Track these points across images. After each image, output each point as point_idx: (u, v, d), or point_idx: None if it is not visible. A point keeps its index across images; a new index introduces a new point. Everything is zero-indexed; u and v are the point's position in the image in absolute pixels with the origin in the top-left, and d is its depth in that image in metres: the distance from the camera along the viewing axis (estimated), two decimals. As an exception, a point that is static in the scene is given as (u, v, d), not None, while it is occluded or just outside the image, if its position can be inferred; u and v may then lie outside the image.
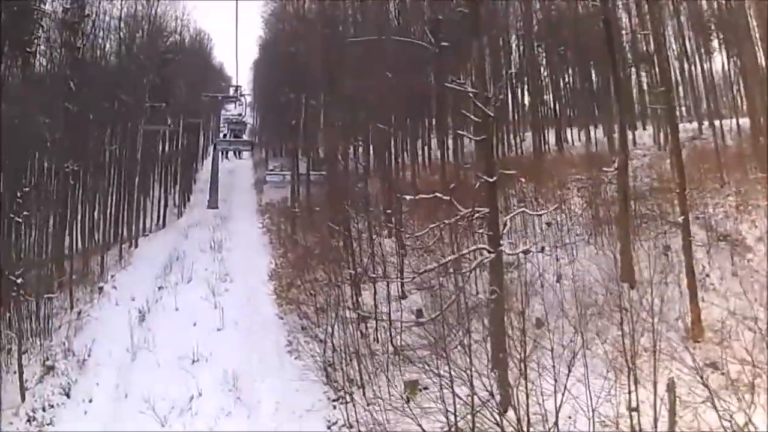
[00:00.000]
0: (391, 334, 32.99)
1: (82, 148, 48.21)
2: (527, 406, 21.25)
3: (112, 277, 46.68)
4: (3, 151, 36.56)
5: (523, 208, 35.03)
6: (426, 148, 55.38)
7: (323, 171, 56.32)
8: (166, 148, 68.05)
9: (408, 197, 33.97)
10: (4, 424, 30.93)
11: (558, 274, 34.05)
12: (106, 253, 51.04)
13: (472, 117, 29.55)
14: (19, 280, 34.31)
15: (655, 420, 21.19)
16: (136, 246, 53.12)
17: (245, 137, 68.15)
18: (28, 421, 31.21)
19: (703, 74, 50.19)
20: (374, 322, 34.23)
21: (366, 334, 33.91)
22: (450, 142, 50.55)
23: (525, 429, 21.25)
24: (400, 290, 36.95)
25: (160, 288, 43.25)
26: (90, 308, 41.42)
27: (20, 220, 37.80)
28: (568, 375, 21.10)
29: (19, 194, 38.99)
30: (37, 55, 47.91)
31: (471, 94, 29.71)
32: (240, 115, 69.16)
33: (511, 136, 54.06)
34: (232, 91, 71.02)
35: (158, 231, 59.04)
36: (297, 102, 58.81)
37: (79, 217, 51.87)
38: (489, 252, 27.93)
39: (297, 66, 57.13)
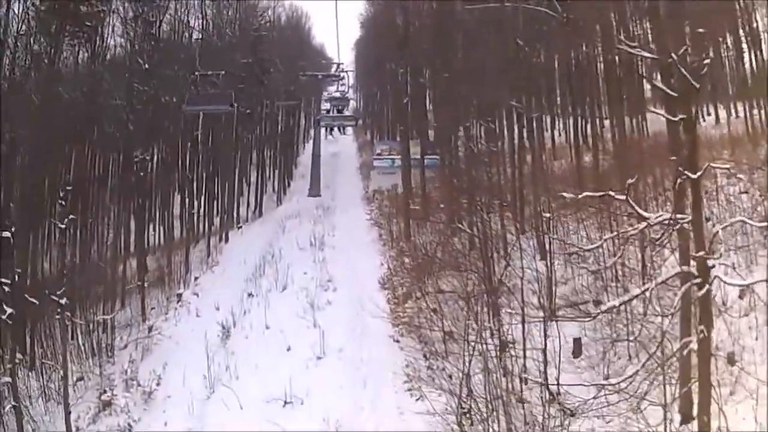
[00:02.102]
0: (545, 372, 23.05)
1: (154, 133, 39.68)
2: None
3: (195, 279, 38.08)
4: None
5: (742, 218, 23.57)
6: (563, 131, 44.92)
7: (436, 155, 46.75)
8: (266, 131, 61.14)
9: (568, 195, 23.46)
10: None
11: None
12: (192, 249, 42.68)
13: (666, 89, 19.35)
14: (63, 300, 25.25)
15: None
16: (227, 240, 44.23)
17: (348, 113, 58.91)
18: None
19: None
20: (515, 351, 24.45)
21: (511, 371, 24.05)
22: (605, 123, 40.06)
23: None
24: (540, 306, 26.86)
25: (249, 295, 34.14)
26: (164, 321, 32.75)
27: (63, 225, 28.82)
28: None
29: (61, 194, 30.33)
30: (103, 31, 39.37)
31: (671, 59, 19.32)
32: (343, 92, 60.01)
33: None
34: (333, 69, 61.24)
35: (254, 222, 50.33)
36: (405, 80, 49.06)
37: (157, 212, 44.17)
38: (696, 280, 18.06)
39: (404, 40, 47.61)
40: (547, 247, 27.31)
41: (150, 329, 31.60)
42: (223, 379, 26.85)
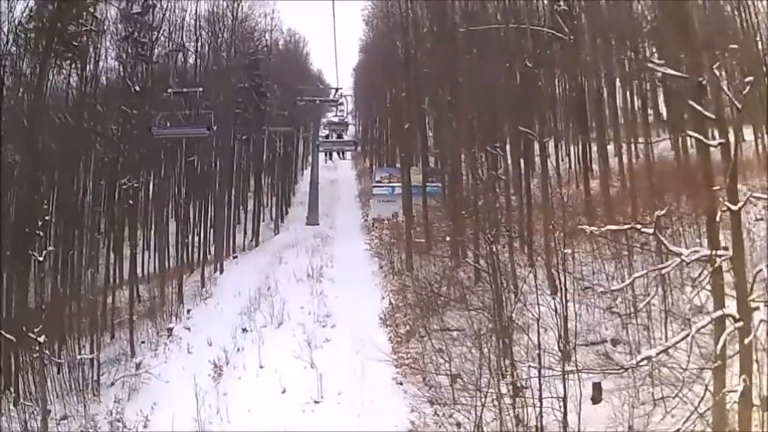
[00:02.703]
0: (565, 422, 20.73)
1: (147, 159, 37.47)
2: None
3: (188, 312, 35.75)
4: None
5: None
6: (565, 156, 42.71)
7: (438, 183, 44.52)
8: (264, 157, 59.12)
9: (589, 228, 21.02)
10: None
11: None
12: (186, 279, 40.50)
13: (703, 111, 17.14)
14: (41, 338, 22.94)
15: None
16: (222, 271, 41.98)
17: (348, 138, 56.66)
18: None
19: None
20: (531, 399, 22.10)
21: (524, 420, 21.75)
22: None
23: None
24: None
25: (243, 330, 31.85)
26: (153, 358, 30.39)
27: (41, 258, 26.55)
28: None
29: (40, 224, 28.02)
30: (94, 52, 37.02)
31: (702, 79, 17.16)
32: (342, 116, 57.87)
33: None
34: (332, 95, 59.00)
35: (250, 251, 48.19)
36: (405, 105, 46.88)
37: (151, 240, 41.99)
38: (738, 324, 15.92)
39: (405, 65, 45.61)
40: (561, 284, 24.96)
41: (138, 366, 29.26)
42: (213, 423, 24.66)
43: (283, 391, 26.00)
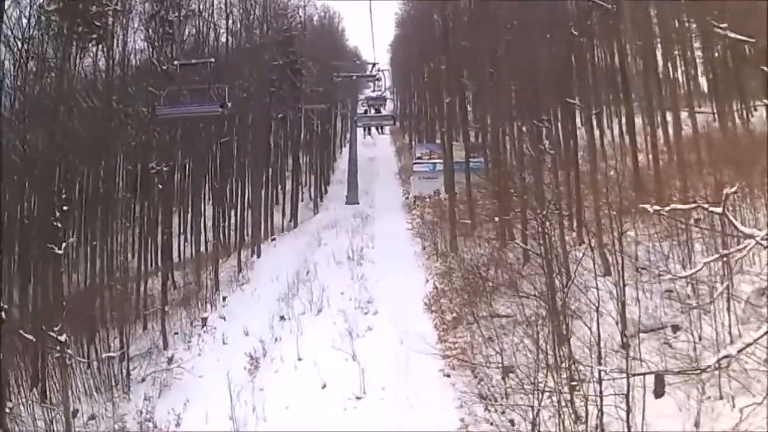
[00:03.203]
0: (628, 421, 18.52)
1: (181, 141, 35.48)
2: None
3: (223, 299, 33.73)
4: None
5: None
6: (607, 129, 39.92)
7: (481, 158, 42.20)
8: (301, 136, 57.28)
9: (652, 207, 18.62)
10: None
11: None
12: (223, 263, 38.70)
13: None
14: (61, 337, 21.09)
15: None
16: (259, 255, 39.99)
17: (386, 113, 54.42)
18: None
19: None
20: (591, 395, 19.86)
21: (582, 417, 19.57)
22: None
23: None
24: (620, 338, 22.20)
25: (281, 318, 29.92)
26: (187, 350, 28.52)
27: (59, 250, 24.72)
28: None
29: (57, 215, 26.07)
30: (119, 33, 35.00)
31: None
32: (380, 91, 55.61)
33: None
34: (369, 70, 56.66)
35: (288, 233, 46.22)
36: (447, 79, 44.52)
37: (187, 224, 40.40)
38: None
39: (443, 37, 43.30)
40: (618, 265, 22.58)
41: (170, 360, 27.35)
42: (249, 423, 22.71)
43: (323, 386, 24.00)
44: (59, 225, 25.66)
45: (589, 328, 20.39)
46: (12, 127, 28.54)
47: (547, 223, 24.06)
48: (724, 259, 17.58)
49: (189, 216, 43.15)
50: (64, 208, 26.08)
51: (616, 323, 20.38)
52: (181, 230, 44.71)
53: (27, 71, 29.71)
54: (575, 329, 21.53)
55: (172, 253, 38.99)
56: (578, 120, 34.49)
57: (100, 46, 33.04)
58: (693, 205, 17.90)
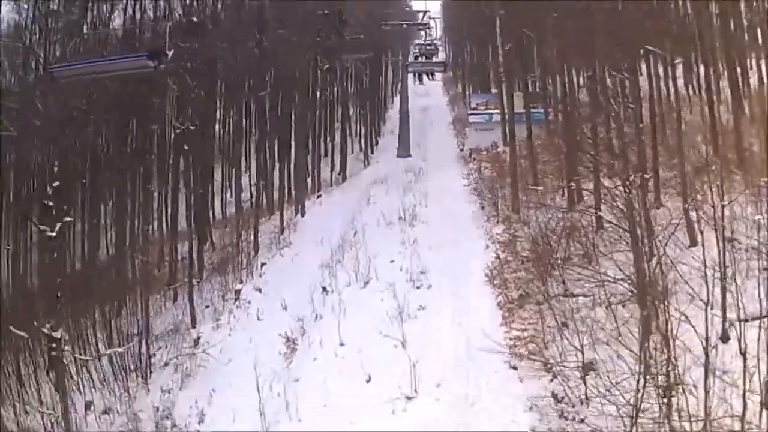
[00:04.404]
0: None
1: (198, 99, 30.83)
2: None
3: (262, 266, 29.51)
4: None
5: None
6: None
7: (541, 109, 37.33)
8: (350, 86, 52.56)
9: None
10: None
11: None
12: (266, 222, 34.61)
13: None
14: (57, 333, 16.98)
15: None
16: (303, 214, 35.64)
17: (437, 59, 49.72)
18: None
19: None
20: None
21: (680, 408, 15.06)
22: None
23: None
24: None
25: (324, 291, 25.46)
26: (216, 330, 24.30)
27: (52, 233, 20.48)
28: None
29: (50, 191, 21.53)
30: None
31: None
32: (431, 39, 50.99)
33: None
34: (420, 18, 51.56)
35: (336, 188, 41.90)
36: (506, 24, 39.35)
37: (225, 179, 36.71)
38: None
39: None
40: (717, 239, 17.73)
41: (196, 342, 23.16)
42: (281, 421, 18.55)
43: (368, 380, 19.55)
44: (51, 203, 21.13)
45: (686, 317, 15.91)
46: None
47: (630, 190, 19.37)
48: None
49: (232, 170, 39.26)
50: (55, 184, 21.44)
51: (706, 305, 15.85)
52: (225, 186, 41.00)
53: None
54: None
55: (209, 213, 35.10)
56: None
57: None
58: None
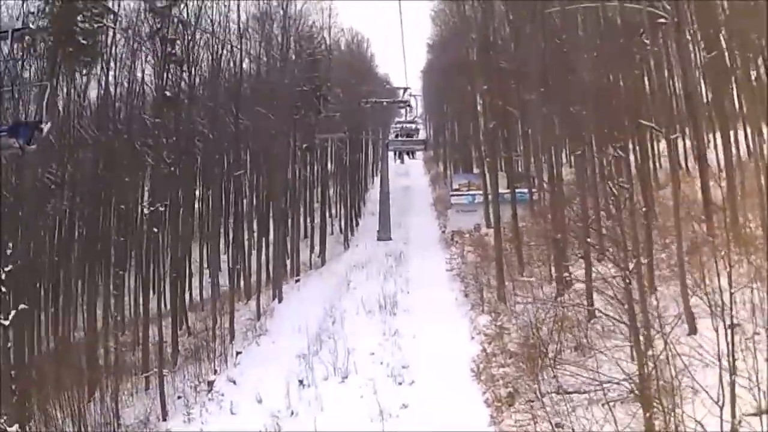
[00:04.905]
0: None
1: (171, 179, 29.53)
2: None
3: (237, 355, 27.80)
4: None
5: None
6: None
7: (525, 189, 36.30)
8: (329, 166, 52.51)
9: None
10: None
11: None
12: (243, 306, 33.25)
13: None
14: (11, 429, 15.40)
15: None
16: (280, 299, 34.16)
17: (418, 137, 48.91)
18: None
19: None
20: None
21: None
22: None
23: None
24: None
25: (300, 384, 23.65)
26: (187, 423, 22.35)
27: (6, 321, 18.88)
28: None
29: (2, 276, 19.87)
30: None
31: None
32: (412, 116, 50.41)
33: None
34: (400, 95, 50.91)
35: (314, 271, 40.73)
36: (488, 104, 38.52)
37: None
38: None
39: (483, 56, 37.64)
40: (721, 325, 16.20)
41: (162, 440, 21.37)
42: None
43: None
44: (2, 290, 19.50)
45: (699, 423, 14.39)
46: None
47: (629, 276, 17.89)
48: None
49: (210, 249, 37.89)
50: (6, 269, 19.75)
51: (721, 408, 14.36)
52: (202, 266, 39.68)
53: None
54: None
55: (185, 295, 33.62)
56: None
57: (88, 68, 27.15)
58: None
